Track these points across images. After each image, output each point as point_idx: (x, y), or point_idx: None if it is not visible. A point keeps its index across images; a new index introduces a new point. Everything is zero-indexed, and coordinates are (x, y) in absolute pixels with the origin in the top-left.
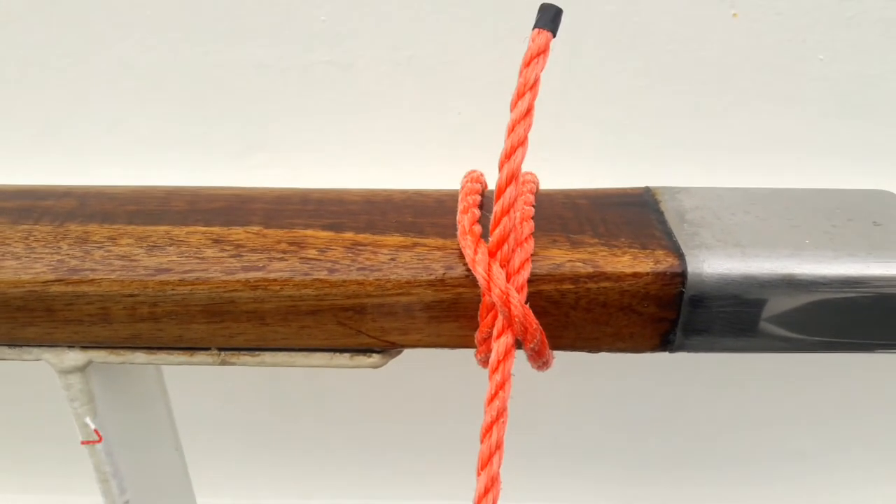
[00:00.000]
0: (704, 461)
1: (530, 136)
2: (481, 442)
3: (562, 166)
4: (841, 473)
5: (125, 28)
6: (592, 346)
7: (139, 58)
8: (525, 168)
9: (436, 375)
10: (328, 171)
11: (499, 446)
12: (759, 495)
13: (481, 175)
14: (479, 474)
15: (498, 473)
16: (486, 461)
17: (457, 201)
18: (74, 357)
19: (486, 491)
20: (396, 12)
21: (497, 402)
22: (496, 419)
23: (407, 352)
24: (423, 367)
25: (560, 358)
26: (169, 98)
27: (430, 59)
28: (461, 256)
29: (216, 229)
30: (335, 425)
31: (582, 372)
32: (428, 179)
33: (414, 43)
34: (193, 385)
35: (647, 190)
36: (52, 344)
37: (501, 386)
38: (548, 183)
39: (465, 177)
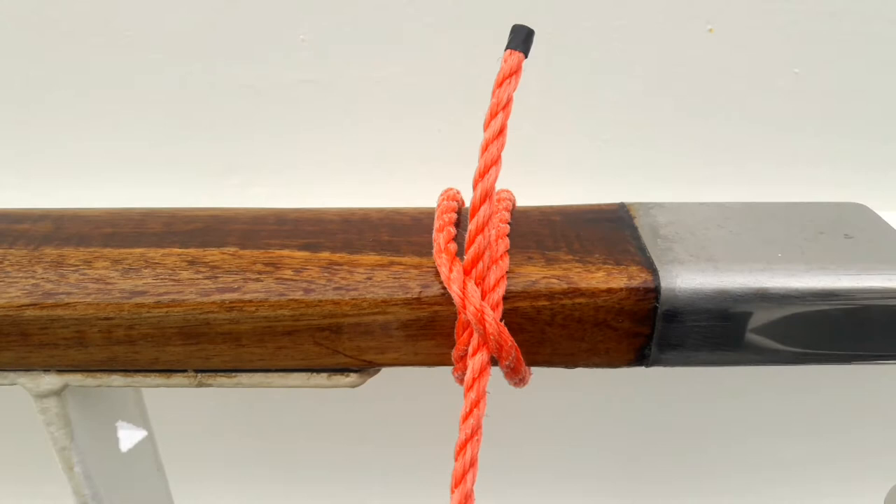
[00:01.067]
0: (691, 471)
1: (506, 152)
2: (455, 459)
3: (539, 182)
4: (827, 482)
5: (103, 49)
6: (568, 361)
7: (118, 79)
8: (504, 184)
9: (414, 393)
10: (308, 190)
11: (473, 464)
12: (745, 502)
13: (458, 193)
14: (452, 492)
15: (472, 491)
16: (460, 479)
17: (433, 219)
18: (50, 381)
19: None
20: (377, 30)
21: (472, 420)
22: (470, 437)
23: (386, 370)
24: (401, 385)
25: (544, 369)
26: (147, 118)
27: (412, 77)
28: (437, 275)
29: (192, 251)
30: (316, 444)
31: (565, 383)
32: (412, 197)
33: (395, 60)
34: (175, 405)
35: (622, 206)
36: (27, 368)
37: (476, 404)
38: (525, 198)
39: (442, 195)
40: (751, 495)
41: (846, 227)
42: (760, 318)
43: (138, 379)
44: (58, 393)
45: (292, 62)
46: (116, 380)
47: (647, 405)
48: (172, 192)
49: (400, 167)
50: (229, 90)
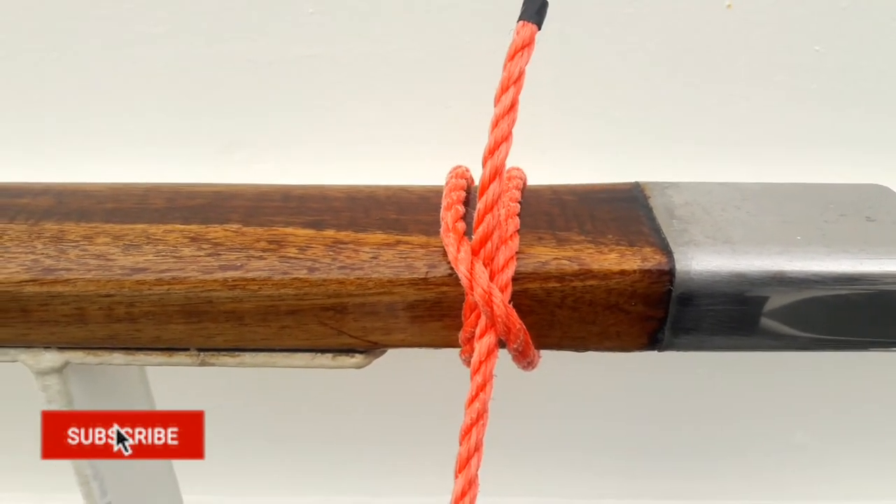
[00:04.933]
0: (703, 453)
1: (520, 129)
2: (460, 444)
3: (553, 160)
4: (840, 466)
5: (106, 23)
6: (579, 345)
7: (121, 53)
8: (514, 162)
9: (420, 374)
10: (314, 167)
11: (477, 448)
12: (757, 487)
13: (467, 170)
14: (456, 476)
15: (476, 476)
16: (465, 463)
17: (441, 197)
18: (51, 358)
19: (464, 494)
20: (384, 4)
21: (477, 404)
22: (476, 421)
23: (392, 351)
24: (410, 364)
25: (553, 352)
26: (152, 94)
27: (419, 52)
28: (445, 254)
29: (194, 227)
30: (322, 425)
31: (577, 364)
32: (418, 174)
33: (404, 34)
34: (180, 382)
35: (637, 185)
36: (27, 345)
37: (482, 387)
38: (538, 177)
39: (450, 172)
40: (761, 479)
41: (868, 209)
42: (778, 302)
43: (140, 357)
44: (59, 370)
45: (300, 36)
46: (118, 358)
47: (658, 388)
48: (177, 167)
49: (409, 143)
50: (235, 64)
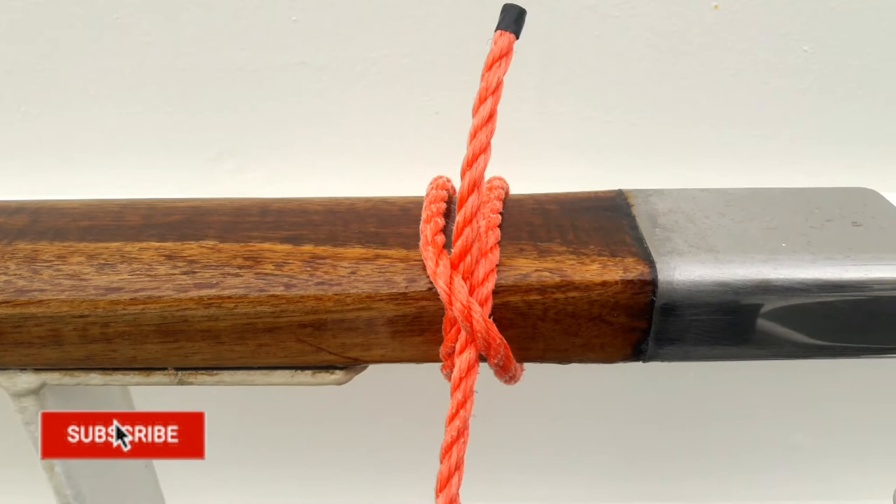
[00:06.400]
0: (696, 455)
1: (502, 134)
2: (440, 462)
3: (539, 168)
4: (833, 466)
5: (92, 31)
6: (562, 357)
7: (108, 62)
8: (499, 171)
9: (401, 389)
10: (303, 176)
11: (458, 467)
12: (752, 488)
13: (448, 181)
14: (437, 495)
15: (457, 495)
16: (445, 482)
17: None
18: (27, 380)
19: None
20: (370, 11)
21: (458, 422)
22: (456, 439)
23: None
24: (388, 381)
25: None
26: (138, 103)
27: (407, 58)
28: (424, 268)
29: (169, 245)
30: (303, 441)
31: (568, 365)
32: (407, 183)
33: (390, 41)
34: (165, 398)
35: (620, 193)
36: (2, 367)
37: (463, 404)
38: (523, 185)
39: (431, 184)
40: (755, 480)
41: (855, 213)
42: (763, 311)
43: (117, 377)
44: (35, 392)
45: (284, 44)
46: (95, 378)
47: (649, 390)
48: (163, 178)
49: (396, 151)
50: (220, 73)
